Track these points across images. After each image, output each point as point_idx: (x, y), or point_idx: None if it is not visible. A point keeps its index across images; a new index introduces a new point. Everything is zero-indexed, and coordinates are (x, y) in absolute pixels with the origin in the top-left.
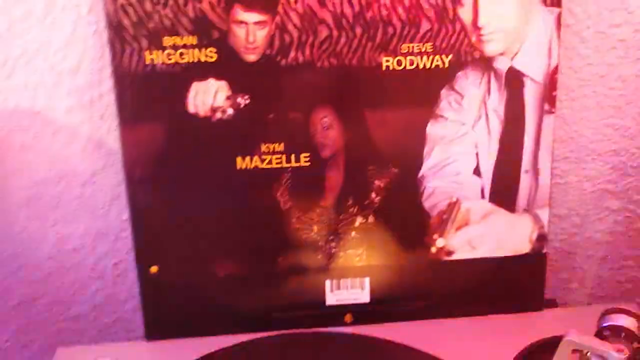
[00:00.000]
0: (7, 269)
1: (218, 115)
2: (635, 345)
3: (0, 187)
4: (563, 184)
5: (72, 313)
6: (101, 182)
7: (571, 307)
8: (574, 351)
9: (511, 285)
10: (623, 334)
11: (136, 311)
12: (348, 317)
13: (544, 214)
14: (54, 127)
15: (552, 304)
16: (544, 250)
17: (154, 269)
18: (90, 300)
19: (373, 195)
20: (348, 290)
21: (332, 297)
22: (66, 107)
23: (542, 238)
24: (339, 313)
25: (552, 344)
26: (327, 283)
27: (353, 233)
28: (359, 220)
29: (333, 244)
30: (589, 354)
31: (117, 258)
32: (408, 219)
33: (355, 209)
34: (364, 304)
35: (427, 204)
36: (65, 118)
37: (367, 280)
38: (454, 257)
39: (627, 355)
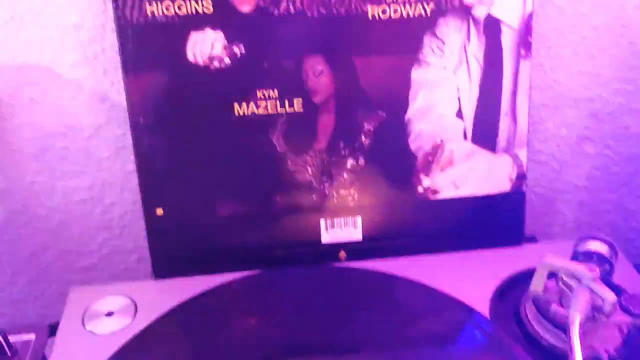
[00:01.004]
0: (17, 221)
1: (215, 64)
2: (606, 266)
3: (10, 141)
4: (542, 131)
5: (81, 264)
6: (106, 135)
7: (549, 242)
8: (550, 278)
9: (493, 221)
10: (595, 258)
11: (141, 262)
12: (342, 254)
13: (522, 154)
14: (60, 82)
15: (532, 240)
16: (523, 188)
17: (159, 211)
18: (98, 251)
19: (363, 138)
20: (342, 229)
21: (327, 236)
22: (71, 62)
23: (521, 177)
24: (333, 251)
25: (532, 274)
26: (322, 222)
27: (345, 174)
28: (350, 162)
29: (326, 185)
30: (564, 276)
31: (123, 209)
32: (396, 161)
33: (347, 152)
34: (357, 242)
35: (413, 146)
36: (70, 73)
37: (359, 219)
38: (439, 196)
39: (597, 274)
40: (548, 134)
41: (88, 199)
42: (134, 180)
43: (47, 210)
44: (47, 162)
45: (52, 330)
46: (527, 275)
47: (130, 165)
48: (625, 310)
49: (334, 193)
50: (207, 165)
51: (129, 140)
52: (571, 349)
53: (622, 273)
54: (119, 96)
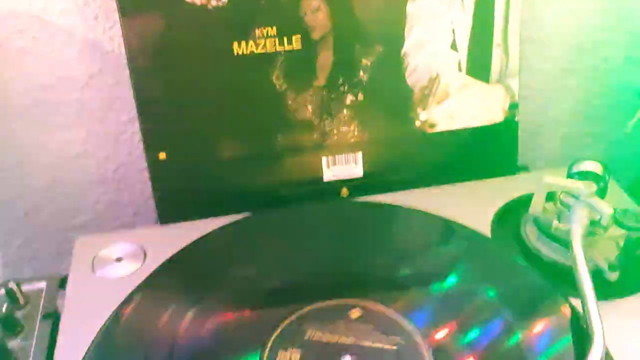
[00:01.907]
0: (11, 179)
1: (213, 2)
2: (601, 184)
3: (0, 95)
4: (528, 65)
5: (77, 221)
6: (99, 85)
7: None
8: (548, 201)
9: (488, 152)
10: (590, 177)
11: (139, 215)
12: (344, 191)
13: (514, 84)
14: (50, 30)
15: (525, 169)
16: (516, 118)
17: (162, 155)
18: (94, 207)
19: (361, 73)
20: (343, 166)
21: (329, 173)
22: (61, 9)
23: (513, 106)
24: (335, 188)
25: (527, 199)
26: (323, 160)
27: (345, 111)
28: (349, 98)
29: (327, 122)
30: (561, 195)
31: (118, 162)
32: (394, 95)
33: (346, 88)
34: (358, 178)
35: (410, 80)
36: (60, 20)
37: (359, 155)
38: (436, 129)
39: (594, 190)
40: (533, 69)
41: (82, 152)
42: (128, 131)
43: (40, 166)
44: (38, 116)
45: (61, 283)
46: (524, 201)
47: (124, 116)
48: (620, 224)
49: (335, 130)
50: (208, 107)
51: (122, 90)
52: (575, 261)
53: (612, 193)
54: (112, 43)
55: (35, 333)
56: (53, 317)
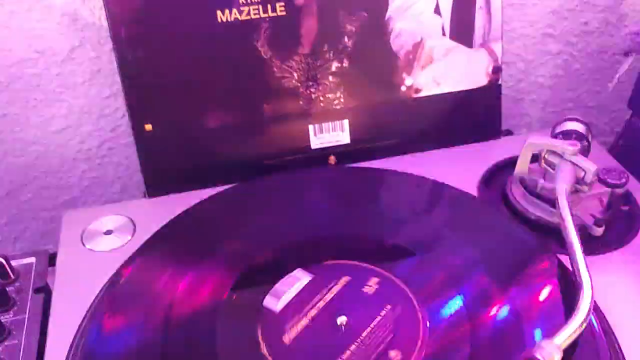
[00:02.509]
0: None
1: None
2: (584, 142)
3: None
4: (509, 30)
5: (62, 199)
6: (80, 58)
7: (526, 134)
8: (533, 162)
9: (472, 116)
10: (574, 136)
11: (124, 192)
12: (332, 159)
13: (497, 48)
14: (28, 2)
15: (509, 133)
16: (499, 82)
17: (148, 126)
18: (78, 184)
19: (346, 39)
20: (330, 133)
21: (316, 141)
22: None
23: (496, 70)
24: (323, 156)
25: (512, 162)
26: (310, 128)
27: (330, 78)
28: (335, 65)
29: (313, 90)
30: (546, 155)
31: (101, 137)
32: (379, 61)
33: (331, 54)
34: (345, 145)
35: (395, 46)
36: None
37: (346, 122)
38: (421, 94)
39: (578, 148)
40: (514, 34)
41: (65, 128)
42: (111, 106)
43: (22, 143)
44: (18, 91)
45: (50, 260)
46: (509, 164)
47: (107, 90)
48: (604, 182)
49: (321, 97)
50: (193, 76)
51: (104, 63)
52: (562, 218)
53: (594, 153)
54: (92, 15)
55: (28, 307)
56: (44, 291)
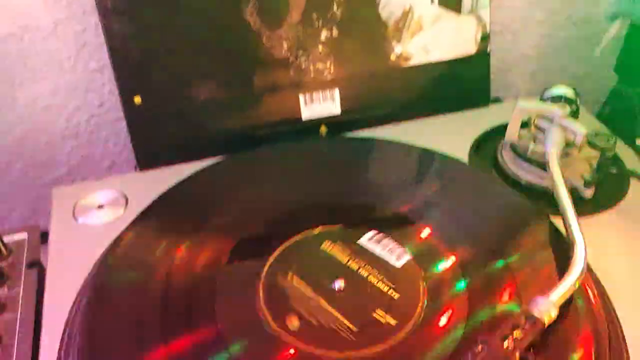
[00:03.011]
0: None
1: None
2: (573, 106)
3: None
4: (496, 0)
5: (50, 177)
6: (65, 33)
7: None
8: (523, 127)
9: (461, 84)
10: (563, 100)
11: (113, 169)
12: (323, 129)
13: (485, 14)
14: None
15: (498, 100)
16: (488, 49)
17: (137, 99)
18: (67, 162)
19: (335, 7)
20: (320, 104)
21: (307, 111)
22: None
23: (485, 37)
24: (314, 126)
25: (502, 129)
26: (301, 98)
27: (320, 47)
28: (324, 34)
29: (303, 60)
30: (536, 119)
31: (89, 113)
32: (368, 30)
33: (320, 23)
34: (336, 116)
35: (384, 14)
36: None
37: (336, 91)
38: (411, 62)
39: (568, 111)
40: (501, 4)
41: (51, 105)
42: (98, 81)
43: (8, 122)
44: (3, 69)
45: (42, 237)
46: (498, 130)
47: (93, 64)
48: (593, 145)
49: (311, 67)
50: (182, 47)
51: (90, 37)
52: (553, 179)
53: (582, 119)
54: None
55: (22, 282)
56: (38, 266)
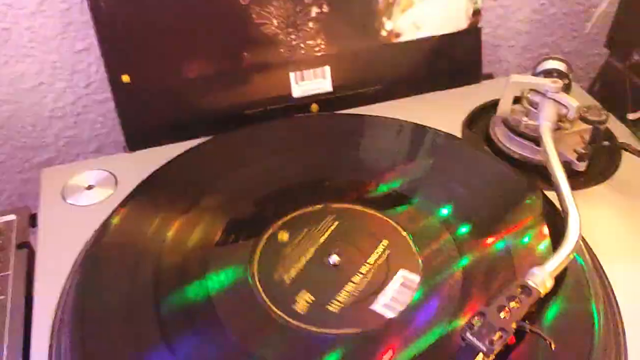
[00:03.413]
0: None
1: None
2: (566, 80)
3: None
4: None
5: (37, 160)
6: (50, 11)
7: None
8: (515, 103)
9: (453, 60)
10: (555, 74)
11: (101, 151)
12: (314, 107)
13: None
14: None
15: (489, 77)
16: (479, 25)
17: (125, 77)
18: (54, 144)
19: None
20: (311, 81)
21: (298, 89)
22: None
23: (476, 13)
24: (305, 104)
25: (494, 104)
26: (292, 75)
27: (310, 24)
28: (314, 10)
29: (293, 37)
30: (528, 94)
31: (76, 94)
32: (358, 6)
33: None
34: (327, 93)
35: None
36: None
37: (327, 69)
38: (402, 39)
39: (561, 85)
40: None
41: (36, 86)
42: (85, 61)
43: None
44: None
45: (31, 221)
46: (490, 106)
47: (80, 44)
48: (585, 119)
49: (301, 44)
50: (171, 24)
51: (76, 15)
52: (546, 152)
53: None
54: None
55: (12, 263)
56: (27, 247)
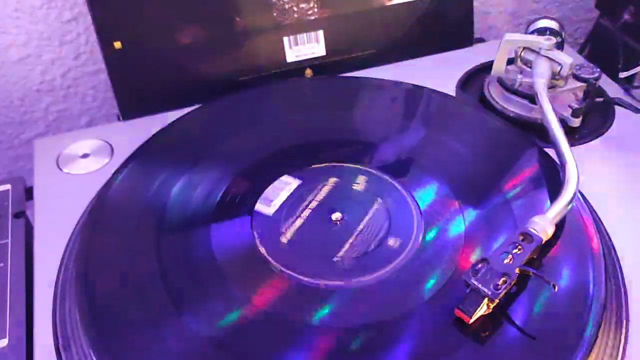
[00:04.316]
0: None
1: None
2: (558, 38)
3: None
4: None
5: (27, 135)
6: None
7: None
8: (508, 64)
9: (445, 24)
10: (548, 32)
11: (92, 125)
12: (308, 72)
13: None
14: None
15: (481, 40)
16: None
17: (117, 44)
18: (44, 118)
19: None
20: (305, 45)
21: (292, 54)
22: None
23: None
24: (299, 69)
25: (487, 67)
26: (285, 40)
27: None
28: None
29: (286, 0)
30: (522, 53)
31: (65, 66)
32: None
33: None
34: (321, 57)
35: None
36: None
37: (321, 33)
38: (394, 1)
39: (554, 42)
40: None
41: (24, 58)
42: (73, 31)
43: None
44: None
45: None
46: (484, 69)
47: (68, 14)
48: (578, 77)
49: (294, 7)
50: None
51: None
52: (542, 107)
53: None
54: None
55: (10, 232)
56: (24, 216)
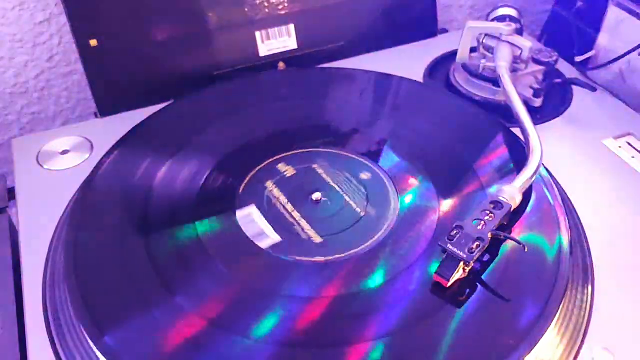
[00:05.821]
0: None
1: None
2: (518, 25)
3: None
4: None
5: (1, 139)
6: None
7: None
8: (471, 52)
9: (410, 16)
10: (508, 19)
11: (66, 126)
12: (281, 65)
13: None
14: None
15: (445, 31)
16: None
17: (93, 42)
18: (18, 121)
19: None
20: (277, 39)
21: (264, 48)
22: None
23: None
24: (272, 63)
25: (452, 55)
26: (258, 34)
27: None
28: None
29: None
30: (484, 40)
31: (38, 69)
32: None
33: None
34: (294, 50)
35: None
36: None
37: (292, 27)
38: None
39: (514, 28)
40: None
41: None
42: (46, 33)
43: None
44: None
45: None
46: (449, 57)
47: (40, 15)
48: (537, 61)
49: (265, 3)
50: None
51: None
52: (505, 89)
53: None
54: None
55: None
56: (6, 213)
